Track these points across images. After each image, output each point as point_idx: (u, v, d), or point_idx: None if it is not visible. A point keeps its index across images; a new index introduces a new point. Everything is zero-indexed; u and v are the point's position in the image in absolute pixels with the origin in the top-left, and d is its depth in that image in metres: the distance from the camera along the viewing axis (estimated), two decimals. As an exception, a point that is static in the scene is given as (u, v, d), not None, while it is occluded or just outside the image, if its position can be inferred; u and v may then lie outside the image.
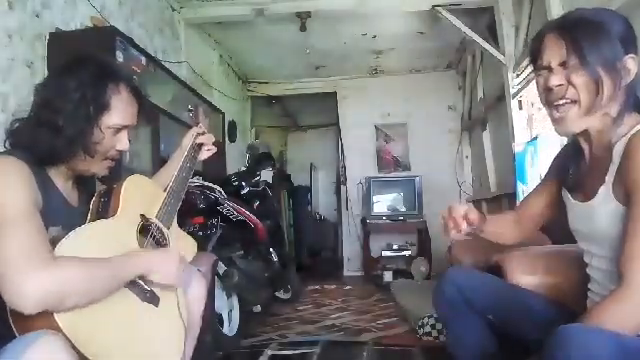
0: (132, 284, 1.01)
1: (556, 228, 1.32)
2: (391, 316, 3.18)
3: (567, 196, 1.16)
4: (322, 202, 7.23)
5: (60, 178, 1.10)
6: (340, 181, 6.05)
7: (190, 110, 1.61)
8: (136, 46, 2.57)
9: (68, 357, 0.78)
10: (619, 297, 0.89)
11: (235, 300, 2.60)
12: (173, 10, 3.88)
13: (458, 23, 3.93)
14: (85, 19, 2.60)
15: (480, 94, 4.81)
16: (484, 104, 4.67)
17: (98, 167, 1.14)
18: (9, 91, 2.08)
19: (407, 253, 5.09)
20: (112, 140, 1.12)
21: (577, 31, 0.99)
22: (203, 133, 1.48)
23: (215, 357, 2.23)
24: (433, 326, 2.44)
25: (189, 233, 1.48)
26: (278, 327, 2.92)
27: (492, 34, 3.97)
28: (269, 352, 2.26)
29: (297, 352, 2.24)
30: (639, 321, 0.86)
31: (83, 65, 1.09)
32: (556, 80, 1.02)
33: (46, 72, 2.21)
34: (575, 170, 1.13)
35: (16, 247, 0.83)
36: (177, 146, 1.48)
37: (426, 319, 2.47)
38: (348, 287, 4.70)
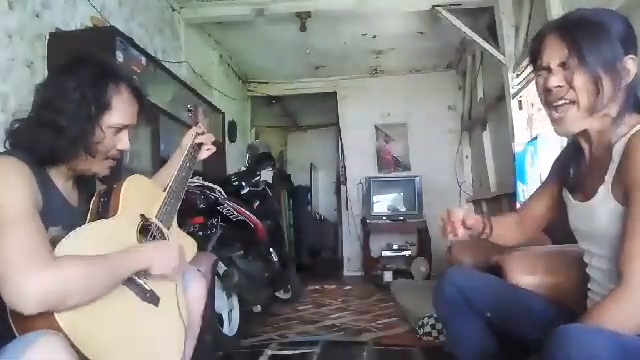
0: (132, 283, 1.01)
1: (556, 228, 1.32)
2: (391, 316, 3.18)
3: (567, 196, 1.16)
4: (322, 202, 7.23)
5: (60, 178, 1.10)
6: (340, 181, 6.05)
7: (189, 110, 1.61)
8: (136, 46, 2.57)
9: (68, 357, 0.78)
10: (619, 296, 0.89)
11: (235, 300, 2.60)
12: (173, 10, 3.88)
13: (458, 23, 3.93)
14: (85, 19, 2.60)
15: (480, 94, 4.82)
16: (484, 104, 4.67)
17: (99, 167, 1.14)
18: (9, 91, 2.08)
19: (407, 253, 5.09)
20: (113, 140, 1.12)
21: (577, 32, 0.99)
22: (203, 133, 1.48)
23: (215, 357, 2.23)
24: (433, 326, 2.44)
25: (189, 233, 1.48)
26: (278, 327, 2.92)
27: (492, 34, 3.97)
28: (269, 352, 2.26)
29: (297, 352, 2.24)
30: (639, 320, 0.86)
31: (83, 65, 1.09)
32: (555, 81, 1.02)
33: (46, 72, 2.21)
34: (575, 170, 1.14)
35: (16, 247, 0.83)
36: (177, 146, 1.48)
37: (426, 319, 2.47)
38: (348, 287, 4.70)
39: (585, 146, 1.10)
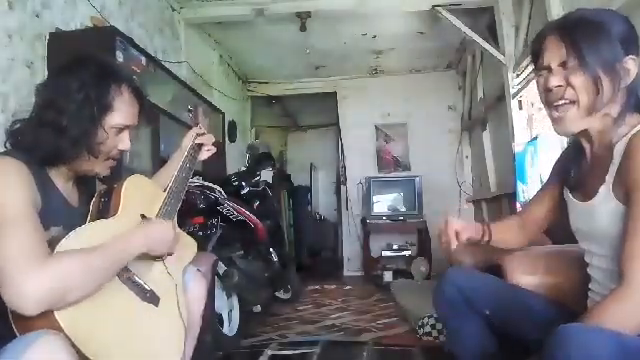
0: (132, 283, 1.01)
1: (557, 229, 1.32)
2: (391, 316, 3.18)
3: (568, 196, 1.16)
4: (322, 202, 7.23)
5: (60, 178, 1.10)
6: (340, 181, 6.05)
7: (190, 110, 1.61)
8: (136, 46, 2.57)
9: (68, 357, 0.78)
10: (619, 296, 0.89)
11: (235, 300, 2.60)
12: (173, 10, 3.88)
13: (458, 23, 3.93)
14: (85, 19, 2.60)
15: (480, 94, 4.82)
16: (484, 104, 4.67)
17: (101, 167, 1.14)
18: (9, 91, 2.08)
19: (407, 253, 5.09)
20: (114, 140, 1.12)
21: (577, 32, 1.00)
22: (203, 133, 1.48)
23: (215, 357, 2.23)
24: (433, 326, 2.44)
25: (189, 233, 1.48)
26: (278, 327, 2.92)
27: (492, 34, 3.97)
28: (269, 352, 2.26)
29: (297, 352, 2.24)
30: (639, 320, 0.86)
31: (84, 65, 1.10)
32: (555, 81, 1.02)
33: (46, 72, 2.21)
34: (576, 170, 1.14)
35: (16, 248, 0.83)
36: (177, 146, 1.48)
37: (426, 319, 2.47)
38: (348, 287, 4.70)
39: (586, 146, 1.10)
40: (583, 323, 0.87)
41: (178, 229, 1.28)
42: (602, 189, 1.01)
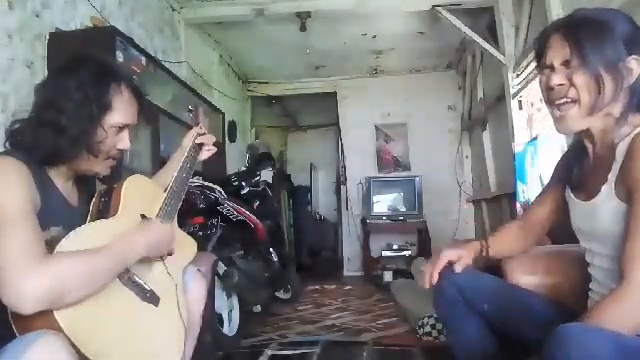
0: (132, 283, 1.01)
1: (557, 228, 1.32)
2: (391, 316, 3.18)
3: (570, 195, 1.16)
4: (322, 202, 7.23)
5: (60, 178, 1.10)
6: (340, 181, 6.05)
7: (190, 110, 1.61)
8: (136, 46, 2.57)
9: (68, 357, 0.78)
10: (619, 295, 0.89)
11: (235, 300, 2.60)
12: (173, 10, 3.88)
13: (458, 23, 3.93)
14: (85, 19, 2.60)
15: (480, 94, 4.82)
16: (484, 104, 4.67)
17: (101, 166, 1.14)
18: (9, 91, 2.08)
19: (407, 253, 5.09)
20: (114, 139, 1.12)
21: (580, 31, 1.00)
22: (203, 133, 1.48)
23: (215, 357, 2.23)
24: (433, 326, 2.44)
25: (189, 233, 1.48)
26: (278, 327, 2.92)
27: (492, 34, 3.97)
28: (269, 352, 2.26)
29: (297, 352, 2.24)
30: (639, 320, 0.86)
31: (83, 65, 1.09)
32: (557, 79, 1.02)
33: (46, 72, 2.21)
34: (578, 169, 1.14)
35: (15, 248, 0.82)
36: (177, 146, 1.48)
37: (426, 319, 2.47)
38: (348, 287, 4.70)
39: (589, 146, 1.10)
40: (583, 323, 0.87)
41: (178, 229, 1.28)
42: (604, 188, 1.01)
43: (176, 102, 3.06)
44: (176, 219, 1.26)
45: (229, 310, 2.55)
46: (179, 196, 1.28)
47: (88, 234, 1.00)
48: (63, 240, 0.92)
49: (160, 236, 1.09)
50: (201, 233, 2.54)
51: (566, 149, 1.28)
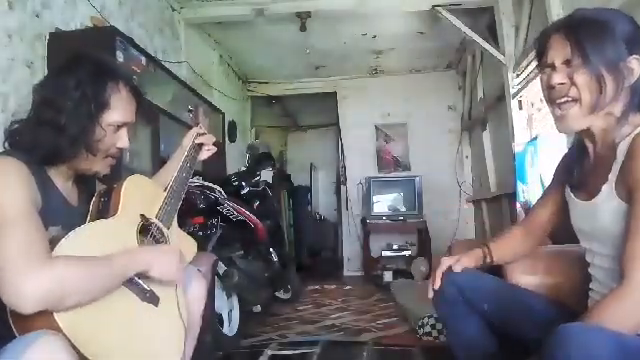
0: (132, 284, 1.01)
1: (558, 229, 1.32)
2: (391, 316, 3.18)
3: (570, 195, 1.16)
4: (322, 202, 7.23)
5: (60, 178, 1.10)
6: (340, 181, 6.05)
7: (190, 110, 1.61)
8: (136, 46, 2.57)
9: (68, 357, 0.78)
10: (619, 295, 0.89)
11: (235, 300, 2.60)
12: (173, 10, 3.88)
13: (458, 23, 3.93)
14: (85, 19, 2.60)
15: (480, 94, 4.82)
16: (484, 104, 4.67)
17: (100, 165, 1.14)
18: (9, 91, 2.08)
19: (407, 253, 5.09)
20: (113, 138, 1.12)
21: (582, 31, 1.00)
22: (203, 133, 1.48)
23: (215, 357, 2.23)
24: (433, 326, 2.44)
25: (189, 233, 1.48)
26: (278, 327, 2.92)
27: (492, 34, 3.97)
28: (269, 352, 2.26)
29: (297, 352, 2.24)
30: (639, 319, 0.86)
31: (81, 64, 1.09)
32: (558, 78, 1.03)
33: (46, 72, 2.21)
34: (579, 169, 1.14)
35: (15, 248, 0.82)
36: (177, 146, 1.48)
37: (426, 319, 2.47)
38: (348, 287, 4.70)
39: (589, 146, 1.10)
40: (583, 322, 0.87)
41: (178, 229, 1.28)
42: (605, 188, 1.01)
43: (176, 102, 3.06)
44: (176, 219, 1.27)
45: (229, 310, 2.55)
46: (179, 196, 1.28)
47: (88, 234, 1.00)
48: (63, 240, 0.92)
49: (168, 269, 1.06)
50: (201, 233, 2.54)
51: (566, 149, 1.28)
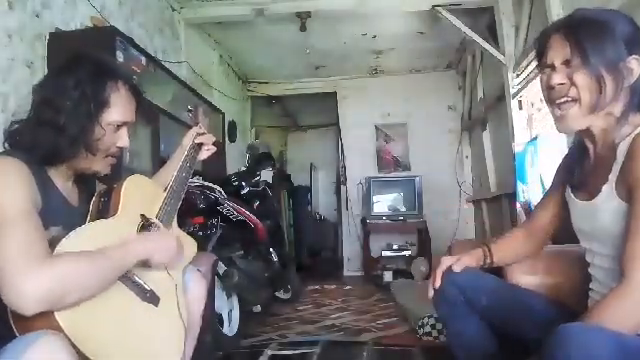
0: (132, 283, 1.01)
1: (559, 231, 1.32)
2: (391, 316, 3.18)
3: (570, 195, 1.16)
4: (322, 202, 7.23)
5: (60, 178, 1.10)
6: (340, 181, 6.05)
7: (190, 110, 1.61)
8: (136, 46, 2.57)
9: (68, 357, 0.78)
10: (619, 294, 0.89)
11: (235, 300, 2.60)
12: (173, 10, 3.88)
13: (458, 23, 3.93)
14: (85, 19, 2.60)
15: (480, 94, 4.82)
16: (484, 104, 4.67)
17: (100, 165, 1.14)
18: (9, 91, 2.08)
19: (407, 253, 5.09)
20: (113, 137, 1.12)
21: (581, 31, 1.00)
22: (203, 133, 1.48)
23: (215, 357, 2.23)
24: (433, 326, 2.44)
25: (189, 233, 1.48)
26: (278, 327, 2.92)
27: (492, 34, 3.97)
28: (269, 352, 2.26)
29: (297, 352, 2.24)
30: (639, 319, 0.86)
31: (80, 63, 1.09)
32: (558, 78, 1.03)
33: (46, 72, 2.21)
34: (579, 170, 1.14)
35: (15, 248, 0.82)
36: (177, 146, 1.48)
37: (426, 319, 2.47)
38: (348, 287, 4.70)
39: (590, 146, 1.10)
40: (583, 323, 0.87)
41: (178, 229, 1.28)
42: (605, 188, 1.01)
43: (176, 102, 3.06)
44: (176, 219, 1.27)
45: (229, 310, 2.55)
46: (179, 195, 1.28)
47: (88, 234, 1.00)
48: (63, 240, 0.92)
49: (167, 254, 1.08)
50: (201, 233, 2.54)
51: (566, 149, 1.28)
